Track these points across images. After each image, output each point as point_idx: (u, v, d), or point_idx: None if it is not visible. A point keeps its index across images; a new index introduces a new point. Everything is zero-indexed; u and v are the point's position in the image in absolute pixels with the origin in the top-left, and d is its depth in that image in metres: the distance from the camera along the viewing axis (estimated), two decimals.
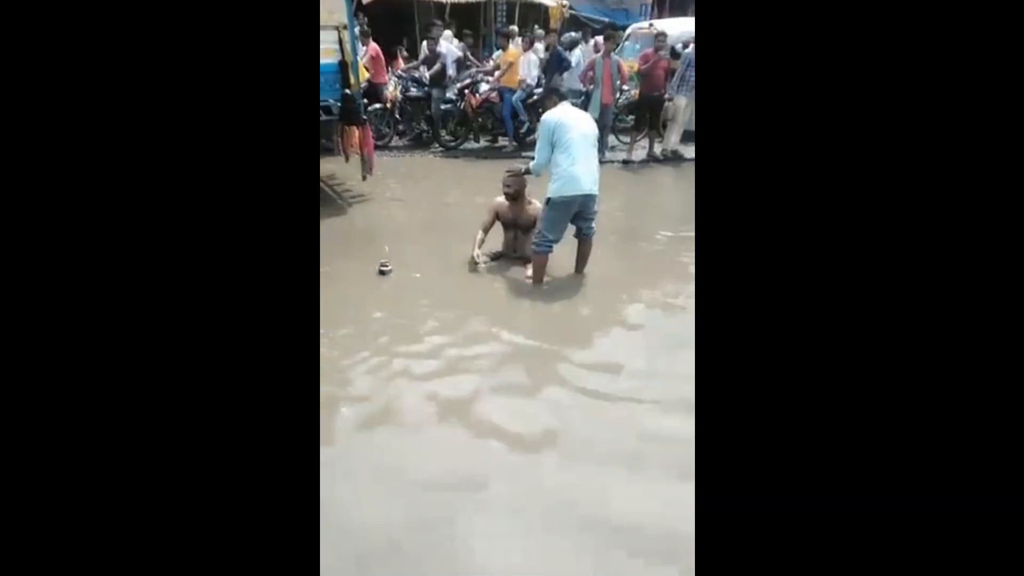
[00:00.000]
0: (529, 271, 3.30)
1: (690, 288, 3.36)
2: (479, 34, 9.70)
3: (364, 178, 4.87)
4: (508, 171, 3.46)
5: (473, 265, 3.45)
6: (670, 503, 1.67)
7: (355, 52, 4.54)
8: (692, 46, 6.08)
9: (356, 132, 4.65)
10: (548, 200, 3.09)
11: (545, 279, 3.27)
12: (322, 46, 4.22)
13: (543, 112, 3.32)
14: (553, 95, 3.38)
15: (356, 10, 6.46)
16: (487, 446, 2.02)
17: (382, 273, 3.37)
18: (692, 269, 3.61)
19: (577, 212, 3.13)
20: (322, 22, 4.11)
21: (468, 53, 7.50)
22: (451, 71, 6.75)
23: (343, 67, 4.43)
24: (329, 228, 4.14)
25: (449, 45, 7.02)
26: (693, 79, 6.13)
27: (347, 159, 4.87)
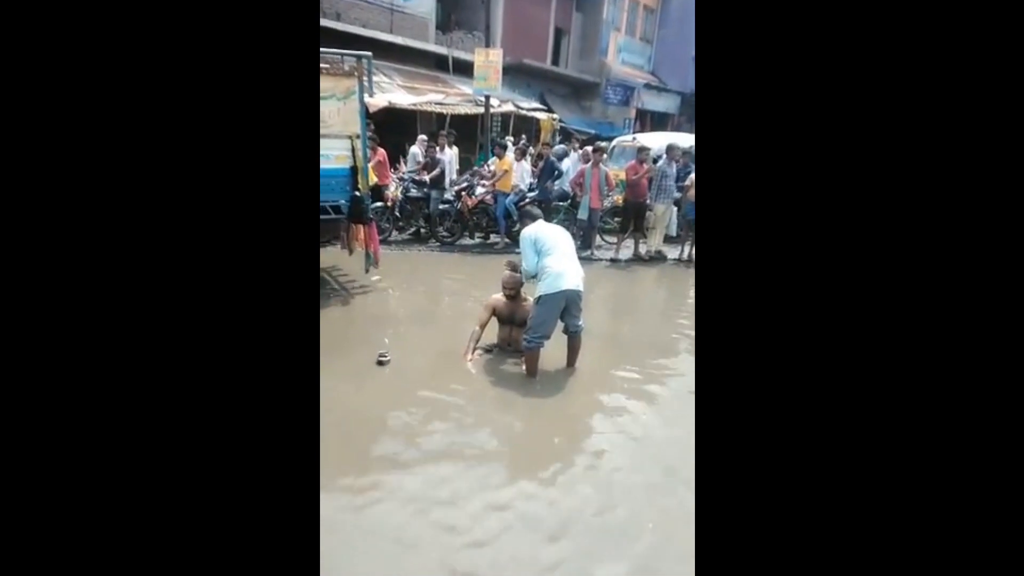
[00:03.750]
0: (524, 364, 3.49)
1: (670, 383, 3.56)
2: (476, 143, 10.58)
3: (367, 270, 5.23)
4: (508, 264, 3.70)
5: (467, 363, 3.61)
6: None
7: (365, 159, 5.01)
8: (663, 159, 6.82)
9: (362, 229, 5.04)
10: (538, 298, 3.35)
11: (539, 371, 3.45)
12: (336, 153, 4.70)
13: (520, 228, 3.68)
14: (527, 217, 3.81)
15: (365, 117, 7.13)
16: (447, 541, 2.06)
17: (380, 363, 3.52)
18: (673, 365, 3.83)
19: (564, 308, 3.37)
20: (338, 132, 4.61)
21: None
22: (450, 175, 7.34)
23: (354, 172, 4.88)
24: (332, 317, 4.35)
25: (450, 152, 7.69)
26: (669, 187, 6.79)
27: (351, 252, 5.23)
